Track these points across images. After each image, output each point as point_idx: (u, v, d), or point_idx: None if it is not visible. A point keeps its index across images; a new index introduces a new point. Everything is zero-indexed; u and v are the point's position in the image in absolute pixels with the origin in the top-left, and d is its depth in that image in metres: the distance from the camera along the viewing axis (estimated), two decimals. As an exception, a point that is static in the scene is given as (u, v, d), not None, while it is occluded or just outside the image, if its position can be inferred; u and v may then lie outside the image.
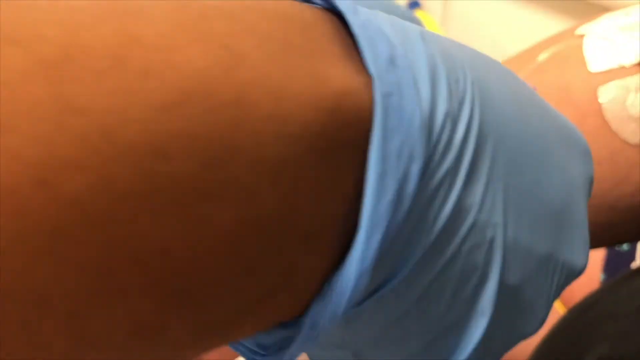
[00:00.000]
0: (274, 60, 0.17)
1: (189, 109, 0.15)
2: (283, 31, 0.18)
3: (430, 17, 1.17)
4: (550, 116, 0.25)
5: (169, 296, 0.15)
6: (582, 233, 0.25)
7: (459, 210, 0.20)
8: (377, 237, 0.18)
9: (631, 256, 0.64)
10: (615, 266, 0.65)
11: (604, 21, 0.39)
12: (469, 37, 1.23)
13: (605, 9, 0.41)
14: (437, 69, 0.20)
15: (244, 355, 0.21)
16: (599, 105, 0.37)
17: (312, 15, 0.19)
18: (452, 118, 0.20)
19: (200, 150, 0.15)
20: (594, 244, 0.40)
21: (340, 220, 0.18)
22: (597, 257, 0.68)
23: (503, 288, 0.22)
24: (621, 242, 0.41)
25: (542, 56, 0.40)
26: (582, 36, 0.39)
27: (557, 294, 0.25)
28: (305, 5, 0.20)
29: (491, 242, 0.21)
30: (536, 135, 0.23)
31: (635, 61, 0.37)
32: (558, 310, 0.70)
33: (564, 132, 0.25)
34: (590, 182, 0.27)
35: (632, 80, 0.36)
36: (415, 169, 0.18)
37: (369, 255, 0.18)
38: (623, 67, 0.37)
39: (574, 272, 0.25)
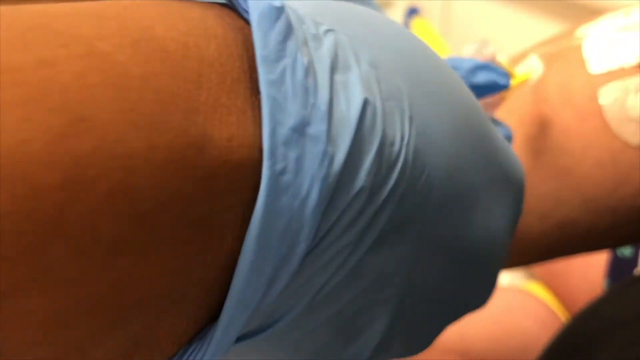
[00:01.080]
0: (130, 122, 0.13)
1: None
2: (163, 75, 0.14)
3: (429, 25, 1.17)
4: (495, 154, 0.22)
5: None
6: (490, 280, 0.24)
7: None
8: (238, 320, 0.16)
9: (634, 262, 0.64)
10: (618, 273, 0.64)
11: (603, 22, 0.39)
12: (469, 43, 1.23)
13: (604, 12, 0.40)
14: (368, 138, 0.16)
15: None
16: (599, 106, 0.36)
17: (223, 41, 0.16)
18: (371, 191, 0.17)
19: (11, 241, 0.12)
20: (596, 247, 0.40)
21: (207, 287, 0.16)
22: (600, 263, 0.67)
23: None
24: (623, 245, 0.40)
25: (542, 57, 0.40)
26: (582, 37, 0.39)
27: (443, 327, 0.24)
28: (221, 24, 0.16)
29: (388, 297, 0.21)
30: (471, 182, 0.21)
31: (636, 62, 0.36)
32: (561, 317, 0.70)
33: (504, 170, 0.23)
34: (516, 223, 0.25)
35: (632, 82, 0.36)
36: (299, 251, 0.16)
37: (226, 339, 0.16)
38: (623, 69, 0.36)
39: (466, 311, 0.24)
